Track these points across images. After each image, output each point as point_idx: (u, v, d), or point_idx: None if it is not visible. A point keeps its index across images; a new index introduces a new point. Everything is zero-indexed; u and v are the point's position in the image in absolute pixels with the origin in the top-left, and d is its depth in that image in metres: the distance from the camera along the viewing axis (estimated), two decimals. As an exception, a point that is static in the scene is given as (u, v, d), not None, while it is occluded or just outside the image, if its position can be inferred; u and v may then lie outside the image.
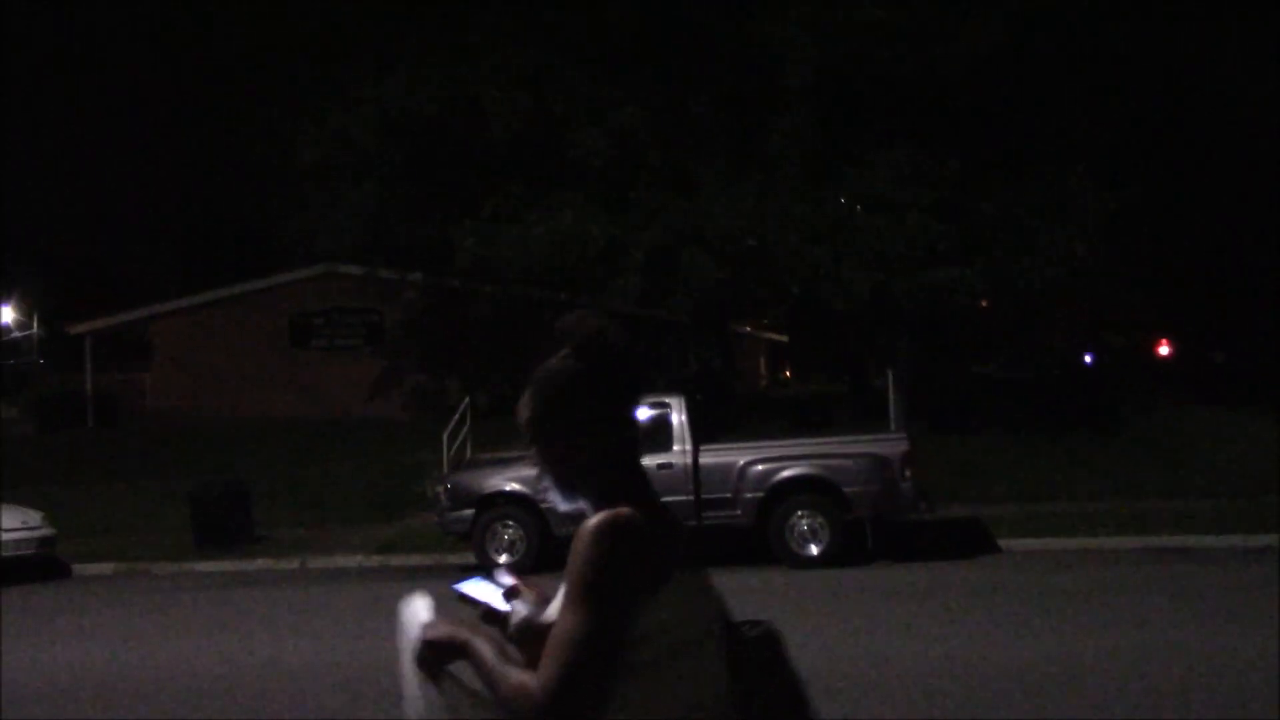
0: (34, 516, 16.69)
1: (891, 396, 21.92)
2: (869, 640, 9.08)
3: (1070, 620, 9.47)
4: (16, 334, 50.15)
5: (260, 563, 16.45)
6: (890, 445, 13.71)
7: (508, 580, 2.30)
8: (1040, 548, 14.16)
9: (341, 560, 16.29)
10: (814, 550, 13.21)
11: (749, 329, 37.66)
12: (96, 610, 13.16)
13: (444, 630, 2.16)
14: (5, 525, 15.98)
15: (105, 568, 16.70)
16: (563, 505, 2.16)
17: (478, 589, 2.32)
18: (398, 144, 22.17)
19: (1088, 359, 46.03)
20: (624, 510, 2.02)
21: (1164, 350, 49.40)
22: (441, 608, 2.29)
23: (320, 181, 23.34)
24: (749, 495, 13.44)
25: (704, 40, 21.60)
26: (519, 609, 2.23)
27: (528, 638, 2.15)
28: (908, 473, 13.36)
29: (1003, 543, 14.39)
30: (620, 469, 2.12)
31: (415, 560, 15.96)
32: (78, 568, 16.76)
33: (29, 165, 78.68)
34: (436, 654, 2.13)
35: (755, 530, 13.48)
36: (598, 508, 2.07)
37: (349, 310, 30.61)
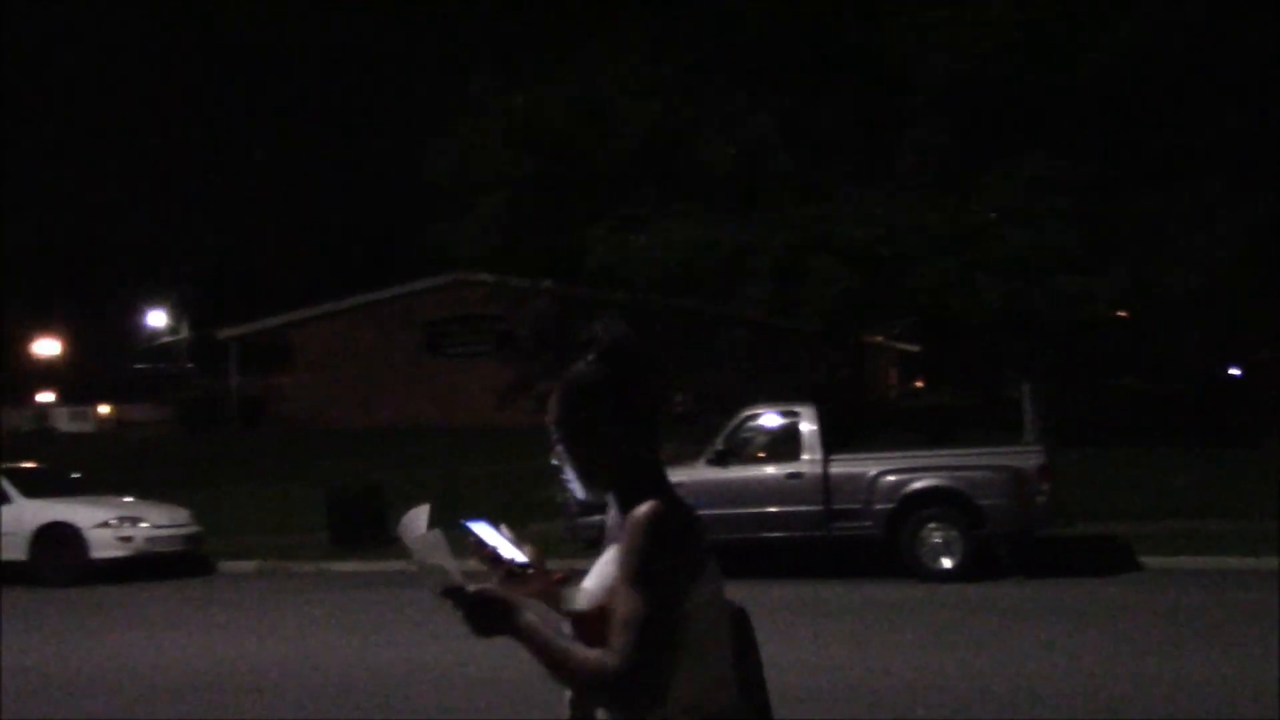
0: (182, 514, 17.36)
1: (1026, 408, 21.46)
2: (1001, 656, 8.89)
3: (1212, 642, 9.14)
4: (168, 338, 52.14)
5: (394, 562, 16.82)
6: (1026, 458, 13.40)
7: (520, 557, 2.37)
8: (1182, 566, 13.68)
9: (472, 563, 16.52)
10: (946, 564, 12.98)
11: (879, 338, 37.18)
12: (240, 606, 13.64)
13: (497, 592, 2.21)
14: (155, 522, 16.65)
15: (248, 565, 17.27)
16: (580, 494, 2.32)
17: (487, 533, 2.39)
18: (527, 154, 22.49)
19: (1234, 371, 44.33)
20: (663, 503, 2.16)
21: (1314, 364, 47.33)
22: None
23: (452, 192, 23.81)
24: (880, 506, 13.27)
25: (834, 48, 21.43)
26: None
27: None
28: (1044, 486, 13.04)
29: (1144, 560, 13.94)
30: (643, 465, 2.25)
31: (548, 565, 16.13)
32: (222, 565, 17.36)
33: (182, 179, 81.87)
34: (489, 614, 2.17)
35: (886, 542, 13.30)
36: (626, 500, 2.19)
37: (480, 318, 31.16)
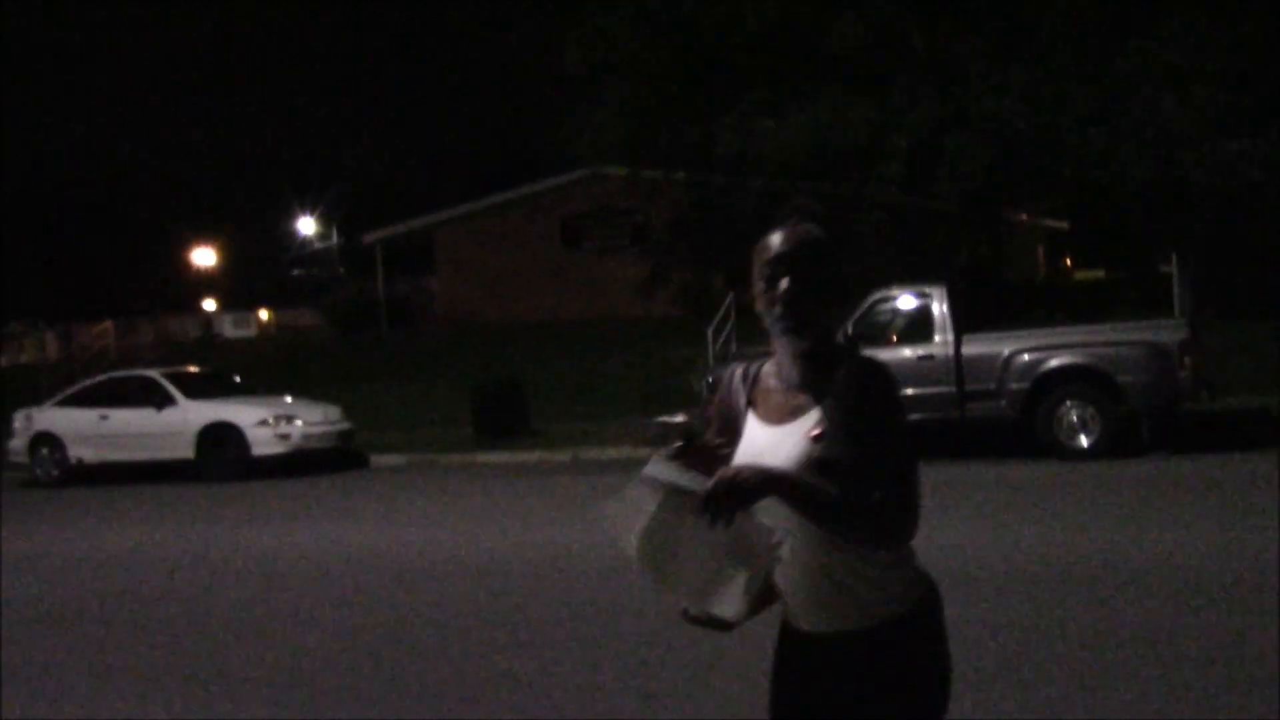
0: (334, 412, 18.13)
1: (1177, 282, 20.73)
2: (1131, 535, 8.79)
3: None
4: (318, 245, 53.79)
5: (536, 454, 17.32)
6: (1168, 332, 13.00)
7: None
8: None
9: (612, 452, 16.94)
10: (1084, 442, 12.77)
11: (1025, 217, 36.11)
12: (391, 497, 14.28)
13: (756, 470, 2.24)
14: (309, 419, 17.45)
15: (398, 459, 18.00)
16: (793, 346, 2.41)
17: (676, 474, 2.32)
18: (658, 42, 22.30)
19: None
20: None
21: None
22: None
23: (585, 84, 23.79)
24: (1014, 385, 13.08)
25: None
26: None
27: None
28: (1187, 360, 12.65)
29: (1294, 434, 13.48)
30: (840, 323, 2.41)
31: (681, 452, 16.40)
32: (374, 459, 18.12)
33: (321, 84, 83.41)
34: (737, 496, 2.20)
35: (1021, 422, 13.14)
36: (826, 356, 2.37)
37: (616, 211, 31.30)
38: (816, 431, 2.30)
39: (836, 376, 2.32)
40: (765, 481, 2.21)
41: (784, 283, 2.39)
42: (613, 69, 22.83)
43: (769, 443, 2.36)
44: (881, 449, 2.25)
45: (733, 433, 2.49)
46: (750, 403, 2.48)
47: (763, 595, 2.40)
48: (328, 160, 59.66)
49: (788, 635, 2.49)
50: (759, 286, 2.45)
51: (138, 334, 43.27)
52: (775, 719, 2.54)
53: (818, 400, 2.33)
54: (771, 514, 2.26)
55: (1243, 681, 5.25)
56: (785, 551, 2.33)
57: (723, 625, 2.39)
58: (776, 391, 2.43)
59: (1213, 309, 19.29)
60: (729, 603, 2.32)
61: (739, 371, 2.57)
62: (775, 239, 2.44)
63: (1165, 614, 6.44)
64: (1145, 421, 12.89)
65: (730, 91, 21.95)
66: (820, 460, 2.26)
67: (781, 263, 2.40)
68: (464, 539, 10.75)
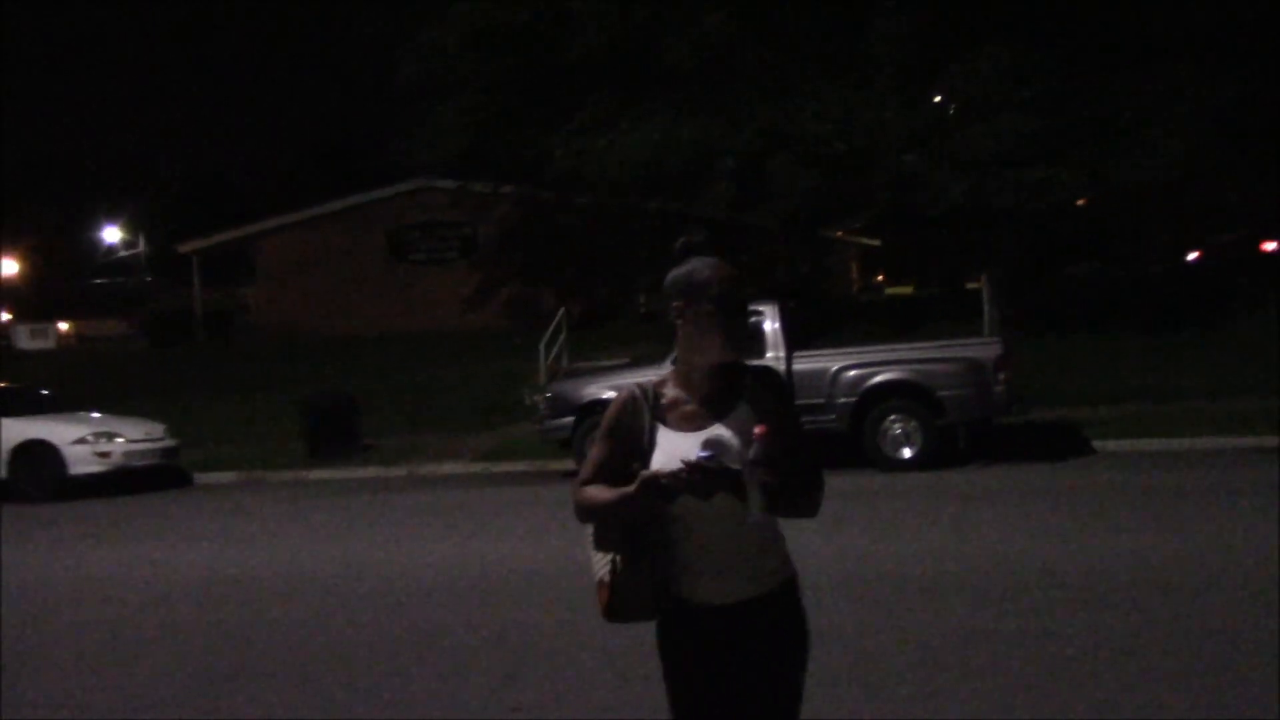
0: (157, 428, 17.54)
1: (986, 300, 21.82)
2: (955, 542, 9.31)
3: (1159, 520, 9.58)
4: (124, 253, 51.69)
5: (371, 470, 17.13)
6: (983, 349, 13.79)
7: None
8: (1135, 449, 14.19)
9: (447, 468, 16.89)
10: (907, 454, 13.42)
11: (840, 234, 37.40)
12: (219, 516, 13.90)
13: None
14: (130, 436, 16.84)
15: (226, 476, 17.53)
16: (712, 360, 2.76)
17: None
18: (490, 57, 22.34)
19: (1192, 256, 44.92)
20: None
21: (1270, 247, 47.97)
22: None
23: (416, 97, 23.66)
24: (842, 400, 13.65)
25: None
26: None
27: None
28: (1001, 376, 13.43)
29: (1097, 444, 14.44)
30: None
31: (517, 467, 16.49)
32: (199, 476, 17.61)
33: (133, 86, 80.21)
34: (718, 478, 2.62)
35: (849, 435, 13.70)
36: (734, 363, 2.77)
37: (444, 224, 31.15)
38: (760, 430, 2.61)
39: (748, 384, 2.76)
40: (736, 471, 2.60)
41: (706, 308, 2.72)
42: (446, 83, 22.77)
43: (689, 446, 2.65)
44: (802, 438, 2.80)
45: (635, 448, 2.78)
46: (658, 418, 2.77)
47: (656, 596, 2.79)
48: (139, 166, 57.44)
49: (690, 615, 2.80)
50: (678, 309, 2.76)
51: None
52: (680, 694, 2.85)
53: (733, 404, 2.73)
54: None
55: (1063, 674, 5.67)
56: (712, 529, 2.73)
57: (651, 615, 2.84)
58: (686, 402, 2.77)
59: (1019, 325, 20.39)
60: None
61: (636, 396, 2.82)
62: (702, 270, 2.75)
63: (990, 615, 6.87)
64: (964, 433, 13.60)
65: (563, 108, 22.15)
66: (767, 452, 2.59)
67: (705, 292, 2.72)
68: (298, 557, 10.60)
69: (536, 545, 10.42)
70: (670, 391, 2.81)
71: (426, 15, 22.56)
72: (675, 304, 2.77)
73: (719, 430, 2.69)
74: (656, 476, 2.61)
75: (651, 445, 2.76)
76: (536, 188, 25.56)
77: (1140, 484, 11.68)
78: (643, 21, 21.30)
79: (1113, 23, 20.62)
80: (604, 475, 2.81)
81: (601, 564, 2.82)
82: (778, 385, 2.83)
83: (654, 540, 2.76)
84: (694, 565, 2.75)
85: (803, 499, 2.76)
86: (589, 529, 2.85)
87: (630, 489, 2.65)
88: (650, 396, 2.80)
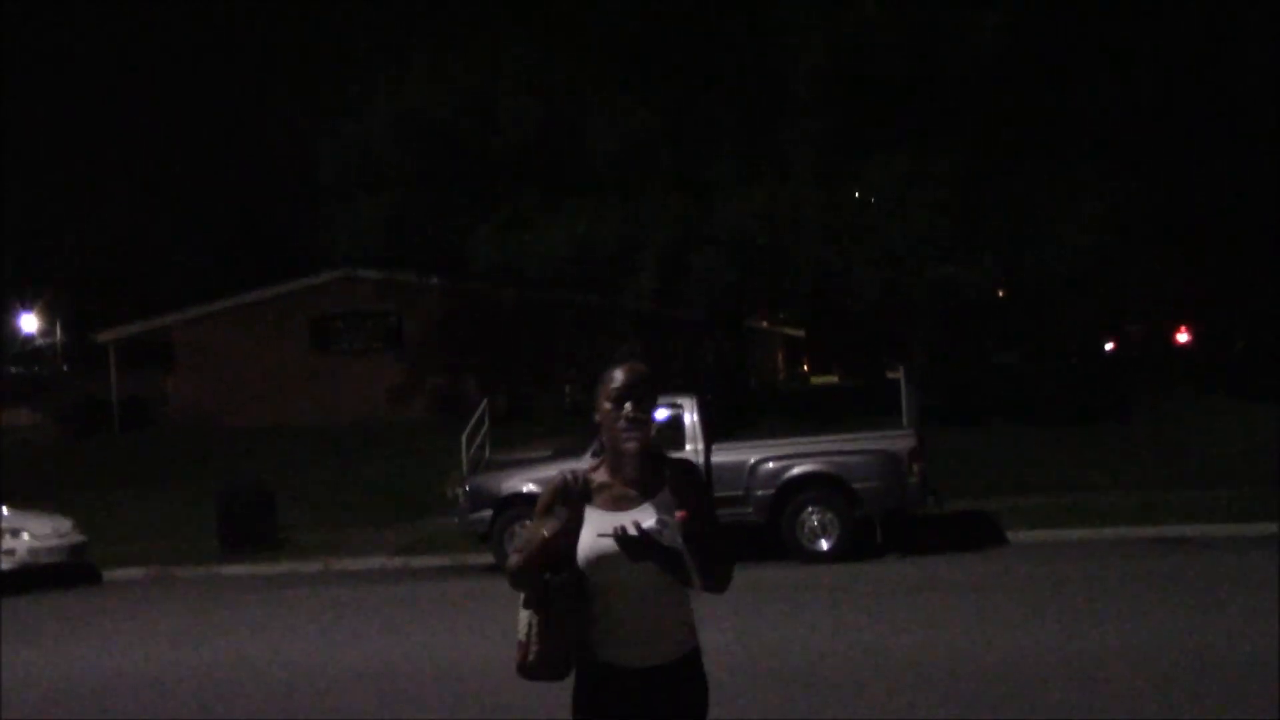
0: (64, 524, 17.10)
1: (904, 391, 22.15)
2: (874, 633, 9.36)
3: (1074, 612, 9.71)
4: (40, 342, 50.77)
5: (285, 565, 16.82)
6: (898, 441, 13.96)
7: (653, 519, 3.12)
8: (1048, 539, 14.40)
9: (364, 562, 16.64)
10: (824, 545, 13.50)
11: (765, 324, 37.90)
12: (127, 615, 13.55)
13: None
14: (36, 533, 16.40)
15: (135, 572, 17.09)
16: (634, 450, 3.16)
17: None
18: (413, 150, 22.51)
19: (1109, 346, 46.08)
20: None
21: (1183, 337, 49.36)
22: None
23: (339, 188, 23.71)
24: (760, 492, 13.73)
25: (712, 42, 21.85)
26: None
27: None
28: (915, 468, 13.61)
29: (1010, 535, 14.64)
30: None
31: (436, 561, 16.30)
32: (108, 573, 17.15)
33: (50, 172, 79.41)
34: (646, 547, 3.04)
35: (767, 527, 13.76)
36: (650, 452, 3.19)
37: (369, 314, 31.02)
38: (682, 513, 3.10)
39: (667, 471, 3.19)
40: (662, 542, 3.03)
41: (628, 406, 3.15)
42: (369, 174, 22.86)
43: (621, 520, 3.05)
44: (716, 522, 3.22)
45: (567, 527, 3.18)
46: (587, 500, 3.19)
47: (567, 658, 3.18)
48: (55, 253, 56.64)
49: (605, 678, 3.17)
50: (605, 407, 3.18)
51: None
52: None
53: (655, 489, 3.16)
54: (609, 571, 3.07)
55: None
56: (629, 599, 3.11)
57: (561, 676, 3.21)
58: (613, 485, 3.19)
59: (938, 414, 20.72)
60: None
61: (568, 480, 3.23)
62: (620, 374, 3.20)
63: (903, 705, 6.90)
64: (879, 525, 13.72)
65: (488, 200, 22.34)
66: (688, 532, 3.09)
67: (628, 392, 3.15)
68: (207, 657, 10.35)
69: (452, 640, 10.28)
70: (598, 477, 3.22)
71: (350, 105, 22.73)
72: (601, 402, 3.18)
73: (650, 510, 3.11)
74: (549, 539, 3.09)
75: (580, 524, 3.15)
76: (462, 279, 25.63)
77: (1052, 575, 11.83)
78: (566, 118, 21.64)
79: (1017, 120, 21.34)
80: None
81: (523, 624, 3.19)
82: (695, 474, 3.26)
83: (570, 606, 3.12)
84: (612, 631, 3.13)
85: (715, 576, 3.13)
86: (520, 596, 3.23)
87: (533, 547, 3.12)
88: (580, 481, 3.19)
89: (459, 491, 15.54)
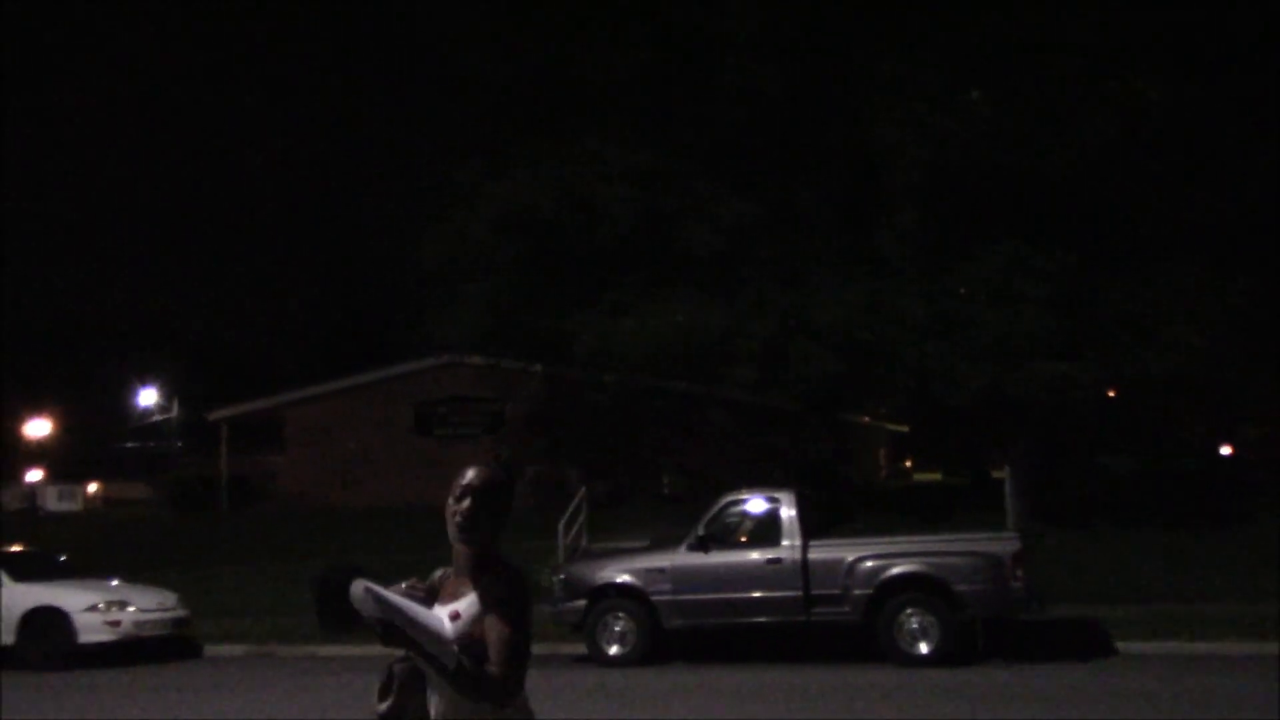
0: (170, 598, 17.43)
1: (1008, 492, 21.69)
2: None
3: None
4: (158, 418, 52.29)
5: (382, 647, 16.87)
6: (1002, 544, 13.62)
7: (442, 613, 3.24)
8: (1159, 651, 13.85)
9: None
10: (923, 649, 13.14)
11: (867, 419, 37.51)
12: (227, 690, 13.71)
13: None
14: (142, 606, 16.74)
15: (236, 649, 17.32)
16: (464, 548, 3.28)
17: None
18: (516, 241, 22.94)
19: (1225, 451, 44.52)
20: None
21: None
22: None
23: (443, 276, 24.22)
24: (858, 592, 13.47)
25: (813, 137, 22.00)
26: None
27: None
28: (1019, 572, 13.25)
29: (1120, 645, 14.12)
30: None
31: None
32: (209, 649, 17.41)
33: (168, 255, 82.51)
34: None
35: (864, 627, 13.47)
36: (486, 560, 3.25)
37: (471, 399, 31.44)
38: (453, 609, 3.16)
39: (484, 576, 3.21)
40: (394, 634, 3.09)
41: (464, 505, 3.25)
42: (473, 264, 23.34)
43: (438, 616, 3.20)
44: (502, 629, 3.11)
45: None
46: (440, 588, 3.34)
47: None
48: (173, 332, 58.58)
49: None
50: (450, 504, 3.28)
51: (-47, 505, 41.00)
52: None
53: (473, 590, 3.20)
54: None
55: None
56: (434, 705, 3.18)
57: None
58: (451, 580, 3.31)
59: (1045, 516, 20.20)
60: None
61: (440, 571, 3.42)
62: (470, 473, 3.31)
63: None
64: (981, 630, 13.34)
65: (589, 290, 22.62)
66: (456, 634, 3.13)
67: (468, 491, 3.27)
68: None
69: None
70: (450, 570, 3.35)
71: (454, 196, 23.30)
72: (448, 496, 3.30)
73: (453, 606, 3.20)
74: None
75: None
76: (563, 366, 25.89)
77: (1163, 689, 11.37)
78: (666, 209, 21.91)
79: (1124, 221, 21.04)
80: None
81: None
82: (506, 585, 3.19)
83: (410, 692, 3.25)
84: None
85: (487, 685, 3.10)
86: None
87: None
88: (445, 575, 3.35)
89: (556, 579, 15.53)
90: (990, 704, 10.81)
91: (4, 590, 16.43)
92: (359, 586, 3.17)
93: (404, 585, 3.31)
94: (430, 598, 3.29)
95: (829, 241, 21.64)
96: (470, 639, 3.12)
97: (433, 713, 3.20)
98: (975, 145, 20.16)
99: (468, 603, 3.19)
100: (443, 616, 3.19)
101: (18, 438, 53.52)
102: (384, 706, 3.28)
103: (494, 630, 3.11)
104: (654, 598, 14.08)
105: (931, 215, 20.72)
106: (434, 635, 3.11)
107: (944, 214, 20.87)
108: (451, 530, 3.26)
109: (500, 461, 3.38)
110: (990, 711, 10.44)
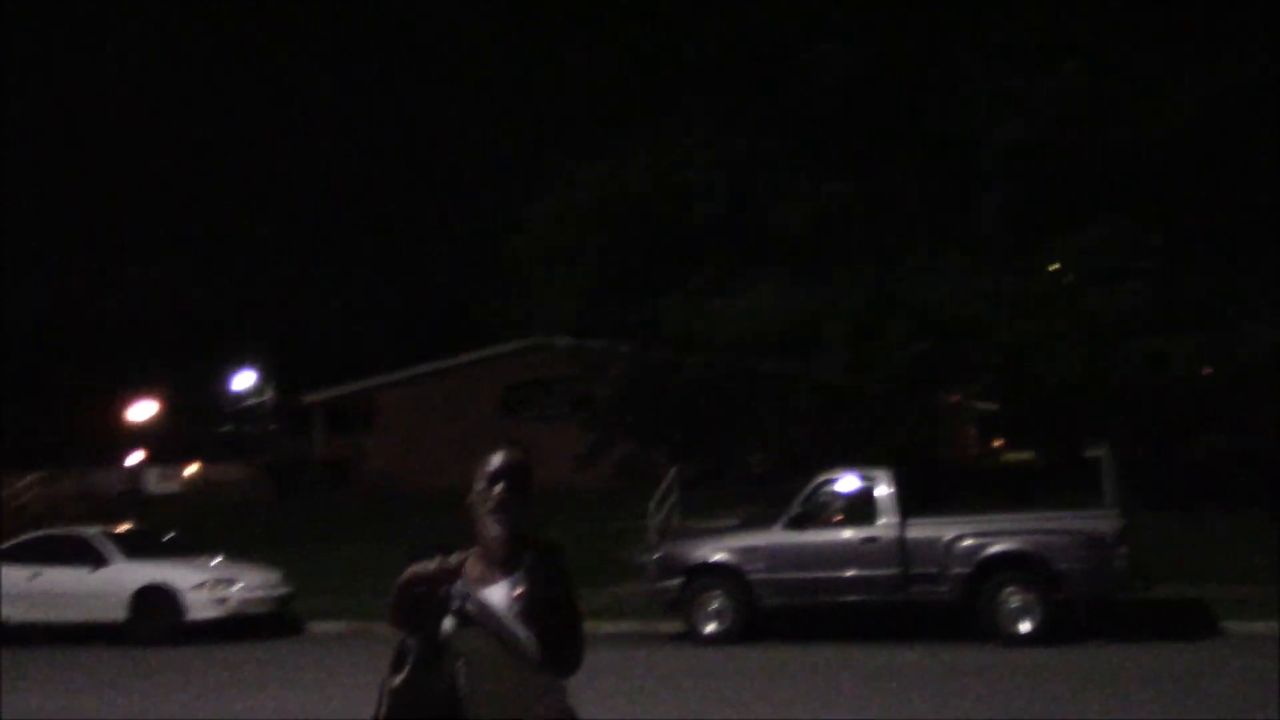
0: (274, 575, 17.86)
1: (1106, 470, 21.30)
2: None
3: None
4: (254, 402, 53.41)
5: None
6: (1104, 521, 13.42)
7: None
8: (1268, 632, 13.52)
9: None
10: (1025, 628, 13.00)
11: (957, 398, 37.04)
12: (330, 665, 14.03)
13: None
14: (247, 583, 17.17)
15: (337, 626, 17.69)
16: (500, 532, 3.30)
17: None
18: (606, 225, 23.01)
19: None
20: None
21: None
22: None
23: (532, 258, 24.37)
24: (956, 570, 13.35)
25: (903, 114, 21.75)
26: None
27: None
28: (1122, 550, 13.04)
29: (1225, 625, 13.83)
30: None
31: (624, 627, 16.34)
32: (310, 625, 17.80)
33: (262, 239, 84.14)
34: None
35: (962, 606, 13.37)
36: (521, 535, 3.31)
37: (558, 381, 31.64)
38: (519, 591, 3.20)
39: (528, 554, 3.27)
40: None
41: (498, 489, 3.32)
42: (563, 247, 23.45)
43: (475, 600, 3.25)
44: (564, 603, 3.25)
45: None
46: (459, 575, 3.32)
47: None
48: (268, 319, 59.74)
49: None
50: (479, 488, 3.35)
51: (60, 486, 42.32)
52: None
53: (514, 570, 3.24)
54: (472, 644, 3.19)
55: None
56: (493, 669, 3.21)
57: None
58: (479, 565, 3.31)
59: (1143, 496, 19.82)
60: None
61: (457, 555, 3.41)
62: (496, 457, 3.40)
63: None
64: (1083, 609, 13.16)
65: (677, 270, 22.62)
66: (522, 612, 3.19)
67: (501, 474, 3.34)
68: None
69: (638, 708, 10.29)
70: (475, 557, 3.35)
71: (544, 179, 23.43)
72: (475, 483, 3.38)
73: (504, 587, 3.23)
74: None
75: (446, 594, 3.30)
76: (651, 348, 25.91)
77: (1271, 670, 11.12)
78: (755, 188, 21.81)
79: (1223, 194, 20.49)
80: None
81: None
82: (554, 558, 3.32)
83: (424, 672, 3.24)
84: (474, 700, 3.20)
85: (555, 658, 3.22)
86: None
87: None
88: (459, 561, 3.35)
89: (648, 559, 15.63)
90: (1096, 684, 10.69)
91: (116, 568, 16.97)
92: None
93: (436, 562, 3.37)
94: (449, 579, 3.34)
95: (920, 220, 21.41)
96: (527, 614, 3.22)
97: (463, 686, 3.23)
98: (1070, 119, 19.78)
99: (517, 580, 3.25)
100: (500, 595, 3.25)
101: (120, 421, 55.08)
102: (398, 680, 3.30)
103: (558, 604, 3.24)
104: (750, 576, 14.09)
105: (1025, 191, 20.38)
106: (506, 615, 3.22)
107: (1038, 190, 20.52)
108: (486, 514, 3.32)
109: (519, 444, 3.49)
110: (1097, 691, 10.32)
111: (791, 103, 21.94)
